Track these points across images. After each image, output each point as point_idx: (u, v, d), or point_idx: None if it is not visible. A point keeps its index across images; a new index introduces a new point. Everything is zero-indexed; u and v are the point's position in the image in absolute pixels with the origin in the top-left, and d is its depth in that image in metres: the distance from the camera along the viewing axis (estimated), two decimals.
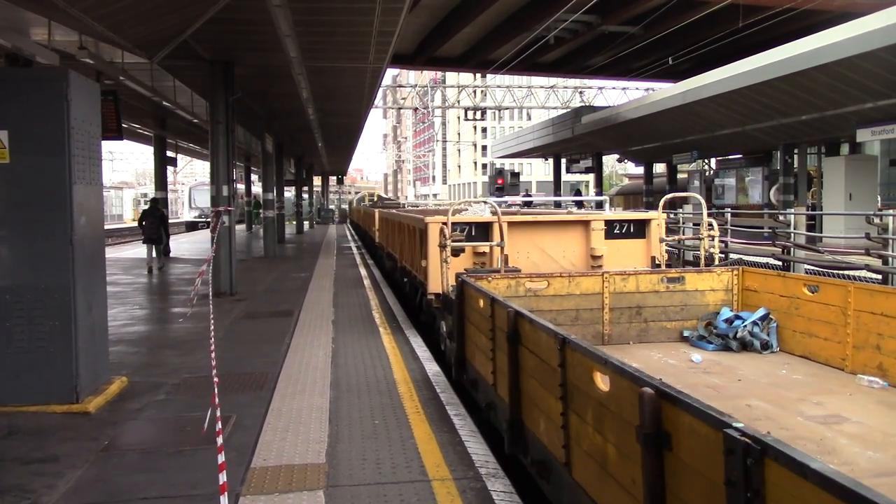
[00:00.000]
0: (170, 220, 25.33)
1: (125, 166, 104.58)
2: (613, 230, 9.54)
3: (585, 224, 9.55)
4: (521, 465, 5.48)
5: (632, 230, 9.60)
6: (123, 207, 72.07)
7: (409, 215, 12.45)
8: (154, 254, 18.88)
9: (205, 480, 4.69)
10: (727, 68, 21.77)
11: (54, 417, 6.09)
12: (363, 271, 18.57)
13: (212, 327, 7.79)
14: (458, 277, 6.67)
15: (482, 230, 9.18)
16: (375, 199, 50.14)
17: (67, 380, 6.28)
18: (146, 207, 20.24)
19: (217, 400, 4.56)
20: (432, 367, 7.89)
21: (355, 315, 11.47)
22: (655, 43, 29.77)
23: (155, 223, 18.85)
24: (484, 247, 9.02)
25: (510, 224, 8.39)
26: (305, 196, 49.53)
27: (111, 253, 24.28)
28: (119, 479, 4.78)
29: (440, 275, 7.96)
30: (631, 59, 33.63)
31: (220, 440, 3.74)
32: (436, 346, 9.26)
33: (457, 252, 8.17)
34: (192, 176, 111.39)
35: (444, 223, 8.10)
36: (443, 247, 7.81)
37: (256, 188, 44.96)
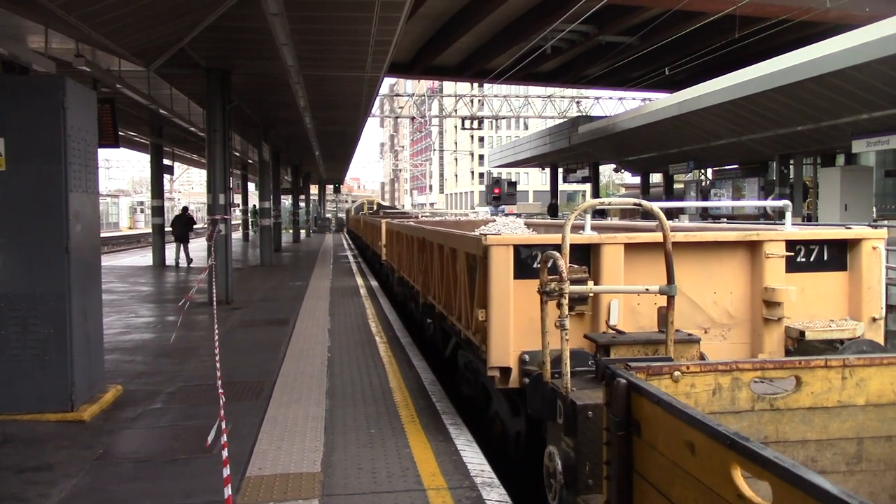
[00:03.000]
0: (166, 229, 25.84)
1: (121, 174, 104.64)
2: (796, 257, 5.96)
3: (753, 247, 5.79)
4: (517, 474, 5.46)
5: (825, 257, 6.01)
6: (119, 215, 71.96)
7: (442, 231, 8.01)
8: (182, 251, 23.18)
9: (199, 489, 4.67)
10: (723, 79, 21.88)
11: (49, 426, 6.07)
12: (359, 280, 18.56)
13: (216, 337, 7.77)
14: (609, 374, 2.93)
15: (579, 259, 5.47)
16: (375, 207, 49.55)
17: (62, 388, 6.26)
18: (177, 214, 24.44)
19: (223, 412, 4.55)
20: (428, 376, 7.87)
21: (352, 325, 11.45)
22: (652, 53, 29.90)
23: (181, 226, 23.24)
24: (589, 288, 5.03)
25: (627, 247, 5.48)
26: (302, 205, 49.51)
27: (107, 261, 24.26)
28: (113, 488, 4.76)
29: (544, 344, 4.21)
30: (628, 69, 33.77)
31: (225, 453, 3.72)
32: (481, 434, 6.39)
33: (574, 302, 4.99)
34: (188, 184, 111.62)
35: (537, 245, 5.26)
36: (551, 294, 4.04)
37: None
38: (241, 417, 6.25)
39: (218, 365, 6.23)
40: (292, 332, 10.66)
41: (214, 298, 11.87)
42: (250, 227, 41.94)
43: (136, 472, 5.07)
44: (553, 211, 42.08)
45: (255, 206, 44.10)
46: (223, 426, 4.33)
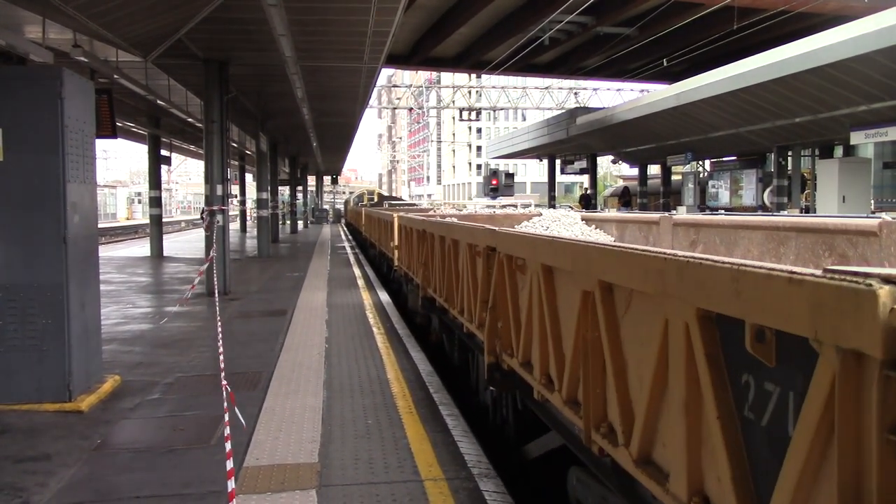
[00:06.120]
0: (163, 220, 25.96)
1: (119, 165, 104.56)
2: None
3: None
4: (513, 465, 5.49)
5: None
6: (117, 206, 71.91)
7: (608, 247, 3.08)
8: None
9: (197, 480, 4.69)
10: (721, 70, 21.85)
11: (46, 416, 6.08)
12: (357, 271, 18.57)
13: (219, 328, 7.78)
14: None
15: None
16: (375, 198, 48.32)
17: (60, 378, 6.27)
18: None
19: (228, 402, 4.56)
20: (425, 367, 7.89)
21: (349, 315, 11.47)
22: (650, 44, 29.85)
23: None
24: None
25: None
26: (300, 196, 49.41)
27: (105, 252, 24.24)
28: (111, 478, 4.78)
29: None
30: (626, 60, 33.71)
31: (228, 445, 3.72)
32: None
33: None
34: (186, 175, 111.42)
35: None
36: None
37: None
38: (238, 408, 6.26)
39: (221, 357, 6.23)
40: (290, 322, 10.67)
41: (216, 289, 11.89)
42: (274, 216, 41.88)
43: (133, 462, 5.08)
44: (586, 202, 39.21)
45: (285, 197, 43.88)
46: (226, 419, 4.34)
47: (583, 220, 9.08)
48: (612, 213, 10.22)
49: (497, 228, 5.03)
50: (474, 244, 5.66)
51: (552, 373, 3.86)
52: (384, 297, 13.46)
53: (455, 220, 8.95)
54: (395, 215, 12.84)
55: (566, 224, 8.48)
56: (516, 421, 5.38)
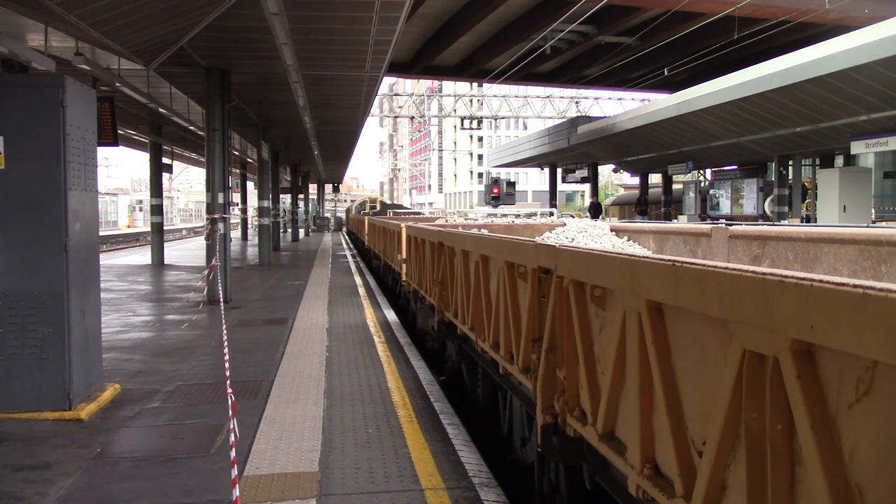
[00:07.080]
0: (165, 227, 25.90)
1: (121, 172, 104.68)
2: None
3: None
4: (513, 474, 5.46)
5: None
6: (118, 214, 71.98)
7: None
8: None
9: (198, 488, 4.67)
10: (722, 80, 21.90)
11: (46, 424, 6.07)
12: (358, 279, 18.55)
13: (224, 336, 7.76)
14: None
15: None
16: (378, 206, 47.64)
17: (60, 386, 6.26)
18: None
19: (230, 411, 4.55)
20: (426, 376, 7.87)
21: (350, 324, 11.45)
22: (651, 54, 29.92)
23: None
24: None
25: None
26: (301, 204, 49.43)
27: (105, 260, 24.25)
28: (111, 487, 4.76)
29: None
30: (627, 69, 33.79)
31: (233, 453, 3.71)
32: None
33: None
34: (187, 183, 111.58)
35: None
36: None
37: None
38: (238, 417, 6.24)
39: (227, 364, 6.22)
40: (290, 331, 10.66)
41: (222, 298, 11.88)
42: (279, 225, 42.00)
43: (133, 470, 5.07)
44: (595, 210, 38.15)
45: (288, 206, 44.01)
46: (231, 426, 4.32)
47: (612, 230, 8.02)
48: (650, 224, 9.01)
49: (557, 244, 3.74)
50: (516, 263, 4.41)
51: (664, 465, 2.52)
52: (391, 315, 12.53)
53: (485, 231, 7.77)
54: (402, 225, 11.44)
55: (594, 235, 7.59)
56: (572, 492, 4.02)
